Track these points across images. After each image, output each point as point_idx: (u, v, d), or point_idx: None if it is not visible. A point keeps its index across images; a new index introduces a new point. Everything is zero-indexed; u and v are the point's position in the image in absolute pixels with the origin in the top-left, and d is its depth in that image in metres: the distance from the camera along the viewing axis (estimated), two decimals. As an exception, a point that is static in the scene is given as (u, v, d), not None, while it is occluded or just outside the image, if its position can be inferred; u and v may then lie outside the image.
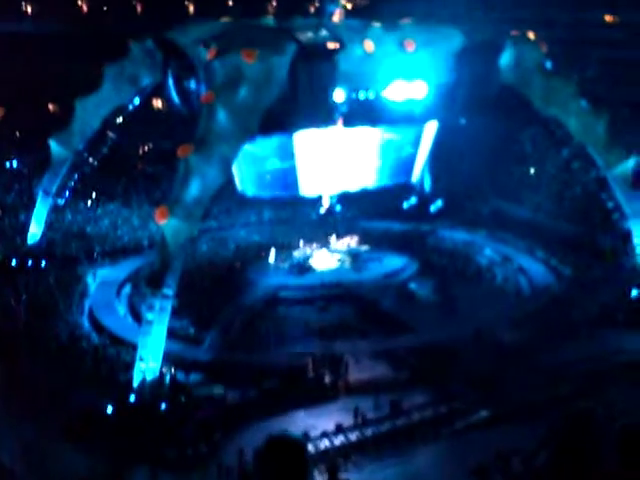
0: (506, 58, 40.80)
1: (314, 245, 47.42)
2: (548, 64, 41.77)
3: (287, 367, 34.12)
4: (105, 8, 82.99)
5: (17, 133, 66.74)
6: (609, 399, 30.62)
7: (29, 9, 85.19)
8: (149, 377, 32.14)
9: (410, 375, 34.22)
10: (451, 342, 35.46)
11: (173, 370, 33.14)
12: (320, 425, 30.30)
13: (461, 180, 53.47)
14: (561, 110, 41.42)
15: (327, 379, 33.46)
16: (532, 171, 56.49)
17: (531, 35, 43.08)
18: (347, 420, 30.66)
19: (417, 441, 29.88)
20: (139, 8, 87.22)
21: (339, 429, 30.11)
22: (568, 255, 45.34)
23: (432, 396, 32.39)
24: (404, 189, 48.01)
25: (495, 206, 53.50)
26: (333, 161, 43.16)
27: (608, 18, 71.96)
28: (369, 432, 30.23)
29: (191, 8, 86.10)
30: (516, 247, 48.04)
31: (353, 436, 29.94)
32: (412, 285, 43.97)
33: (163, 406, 31.31)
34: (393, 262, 45.99)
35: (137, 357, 32.33)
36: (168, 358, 33.01)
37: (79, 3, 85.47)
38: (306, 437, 29.14)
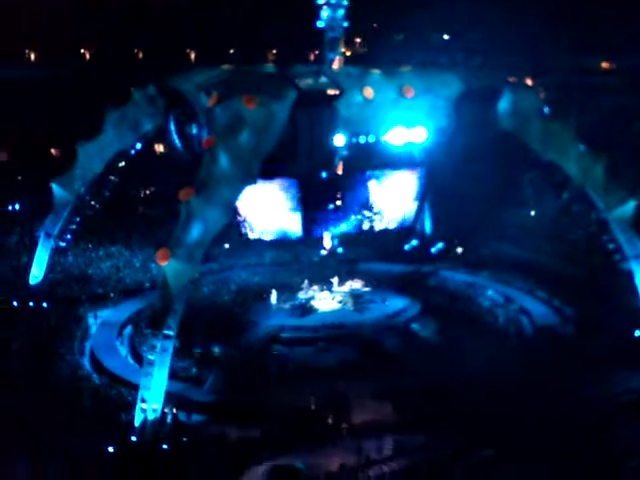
0: (504, 104, 41.46)
1: (316, 286, 47.47)
2: (546, 109, 42.33)
3: (289, 408, 33.99)
4: (107, 55, 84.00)
5: (19, 177, 67.18)
6: (613, 439, 30.74)
7: (32, 55, 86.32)
8: (150, 417, 32.18)
9: (413, 416, 34.03)
10: (453, 383, 35.32)
11: (175, 411, 33.07)
12: (323, 465, 30.20)
13: (462, 222, 53.74)
14: (560, 154, 41.90)
15: (329, 420, 33.33)
16: (532, 214, 56.86)
17: (529, 81, 43.74)
18: (350, 460, 30.47)
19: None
20: (140, 55, 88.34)
21: (342, 469, 29.93)
22: (570, 296, 45.35)
23: (435, 437, 32.17)
24: (405, 231, 48.24)
25: (496, 248, 53.72)
26: (334, 204, 43.52)
27: (605, 65, 73.11)
28: (372, 473, 30.04)
29: (192, 55, 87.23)
30: (518, 288, 48.11)
31: (357, 477, 29.72)
32: (414, 326, 43.91)
33: (165, 447, 31.21)
34: (395, 303, 45.96)
35: (138, 398, 32.40)
36: (170, 399, 33.04)
37: (82, 50, 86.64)
38: (309, 478, 29.19)
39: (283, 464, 29.78)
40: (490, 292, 47.74)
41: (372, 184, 44.17)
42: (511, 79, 42.99)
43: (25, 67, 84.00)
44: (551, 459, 29.65)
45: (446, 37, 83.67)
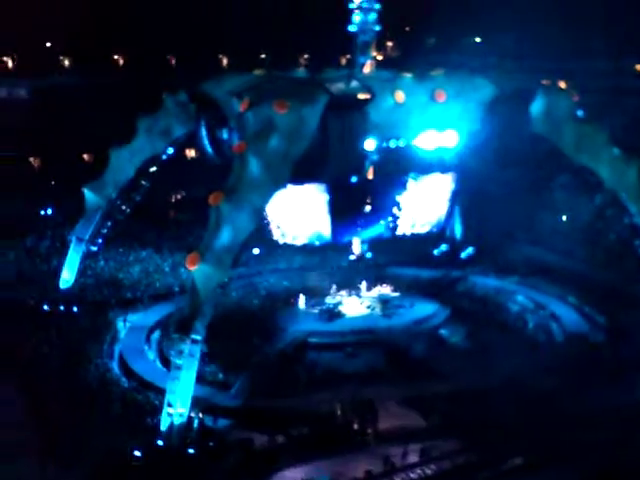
0: (537, 107, 41.06)
1: (344, 291, 47.34)
2: (579, 113, 41.85)
3: (316, 413, 33.89)
4: (140, 62, 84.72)
5: (52, 182, 67.97)
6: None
7: (67, 62, 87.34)
8: (177, 422, 32.18)
9: (440, 422, 33.75)
10: (482, 389, 34.98)
11: (201, 415, 33.07)
12: (349, 472, 30.01)
13: (493, 227, 53.29)
14: (593, 158, 41.48)
15: (356, 426, 33.11)
16: (564, 218, 56.24)
17: (562, 84, 43.26)
18: (376, 467, 30.26)
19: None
20: (173, 61, 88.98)
21: (368, 476, 29.73)
22: (601, 302, 44.72)
23: (463, 444, 31.88)
24: (435, 236, 47.91)
25: (527, 253, 53.21)
26: (364, 209, 43.32)
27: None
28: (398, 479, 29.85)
29: (224, 61, 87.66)
30: (548, 294, 47.55)
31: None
32: (443, 331, 43.61)
33: (191, 451, 31.23)
34: (424, 308, 45.69)
35: (165, 402, 32.43)
36: (196, 403, 33.05)
37: (115, 57, 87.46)
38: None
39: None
40: (520, 297, 47.26)
41: (402, 188, 43.85)
42: (544, 82, 42.56)
43: (60, 75, 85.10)
44: (577, 467, 29.26)
45: (478, 40, 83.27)
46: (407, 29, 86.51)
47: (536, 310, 45.59)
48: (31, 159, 73.80)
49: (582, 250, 52.03)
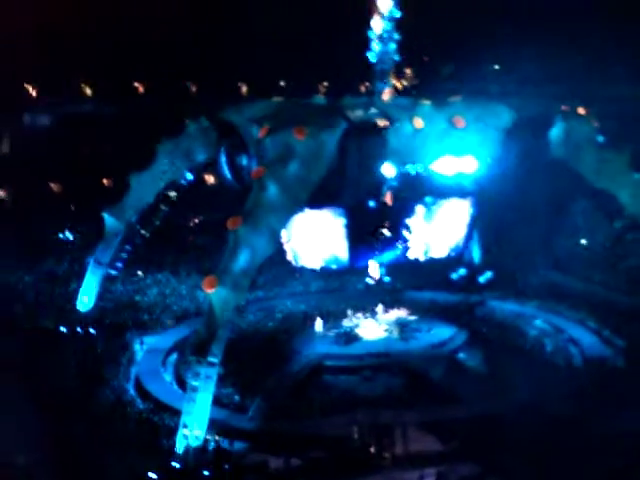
0: (556, 132, 41.04)
1: (361, 315, 47.23)
2: (599, 138, 41.81)
3: (332, 437, 33.66)
4: (161, 89, 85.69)
5: (71, 206, 68.56)
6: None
7: (88, 90, 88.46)
8: (193, 444, 32.10)
9: (458, 447, 33.41)
10: (500, 414, 34.59)
11: (217, 437, 32.97)
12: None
13: (511, 251, 53.10)
14: (613, 183, 41.29)
15: (373, 450, 32.88)
16: (584, 242, 55.99)
17: (581, 110, 43.26)
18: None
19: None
20: (194, 89, 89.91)
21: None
22: (621, 326, 44.28)
23: (480, 469, 31.56)
24: (453, 260, 47.74)
25: (546, 277, 52.90)
26: (381, 233, 43.31)
27: (660, 93, 71.99)
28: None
29: (244, 88, 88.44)
30: (567, 318, 47.16)
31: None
32: (461, 355, 43.32)
33: (206, 473, 31.09)
34: (441, 332, 45.40)
35: (181, 424, 32.36)
36: (213, 425, 32.96)
37: (135, 85, 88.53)
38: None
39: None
40: (539, 322, 46.91)
41: (420, 213, 43.81)
42: (563, 108, 42.59)
43: (82, 102, 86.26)
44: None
45: (497, 67, 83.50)
46: (426, 59, 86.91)
47: (555, 334, 45.27)
48: (51, 184, 74.56)
49: (602, 274, 51.77)
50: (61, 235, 62.40)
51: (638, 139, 52.70)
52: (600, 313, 46.45)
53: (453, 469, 31.41)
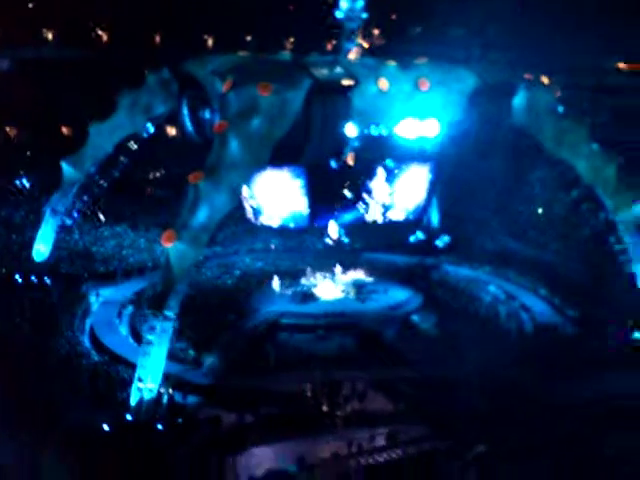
0: (519, 100, 41.26)
1: (319, 274, 47.51)
2: (560, 108, 42.12)
3: (285, 394, 34.08)
4: (124, 38, 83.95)
5: (27, 152, 67.36)
6: (606, 442, 30.58)
7: (49, 35, 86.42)
8: (147, 397, 32.24)
9: (408, 408, 34.04)
10: (451, 377, 35.25)
11: (171, 391, 33.14)
12: (316, 453, 30.17)
13: (469, 217, 53.59)
14: (572, 153, 41.77)
15: (325, 408, 33.33)
16: (540, 211, 56.66)
17: (544, 79, 43.50)
18: (343, 449, 30.46)
19: (411, 475, 29.66)
20: (157, 39, 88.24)
21: (334, 458, 29.91)
22: (572, 295, 45.17)
23: (429, 430, 32.13)
24: (412, 223, 48.08)
25: (502, 244, 53.59)
26: (342, 194, 43.38)
27: (621, 66, 72.63)
28: (364, 463, 30.04)
29: (209, 41, 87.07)
30: (520, 285, 47.93)
31: (348, 466, 29.71)
32: (415, 318, 43.89)
33: (159, 426, 31.29)
34: (397, 294, 45.93)
35: (136, 377, 32.45)
36: (167, 379, 33.12)
37: (99, 32, 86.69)
38: (301, 465, 29.17)
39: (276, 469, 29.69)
40: (492, 288, 47.61)
41: (381, 175, 43.93)
42: (527, 76, 42.77)
43: (42, 47, 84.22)
44: (543, 459, 29.56)
45: (463, 32, 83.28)
46: (393, 17, 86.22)
47: (507, 301, 46.04)
48: (7, 128, 73.06)
49: (557, 243, 52.55)
50: (17, 182, 61.49)
51: (598, 111, 53.44)
52: (553, 281, 47.34)
53: (403, 429, 31.89)
